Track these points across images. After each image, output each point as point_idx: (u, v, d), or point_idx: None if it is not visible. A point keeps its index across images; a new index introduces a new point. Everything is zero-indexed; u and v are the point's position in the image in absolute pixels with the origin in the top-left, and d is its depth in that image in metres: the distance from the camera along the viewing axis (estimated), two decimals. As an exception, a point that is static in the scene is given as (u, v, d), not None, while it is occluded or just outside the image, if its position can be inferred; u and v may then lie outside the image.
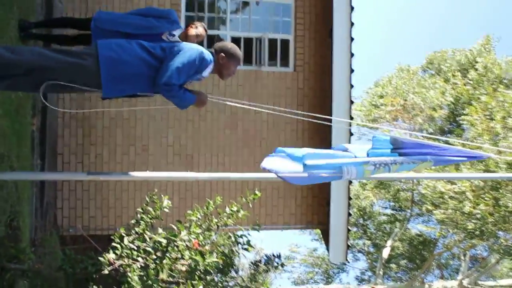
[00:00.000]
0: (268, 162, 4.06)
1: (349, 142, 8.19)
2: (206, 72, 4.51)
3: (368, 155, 4.08)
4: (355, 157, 4.07)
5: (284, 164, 4.03)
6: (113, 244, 4.81)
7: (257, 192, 5.30)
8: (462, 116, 13.19)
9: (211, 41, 8.55)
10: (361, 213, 20.14)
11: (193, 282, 4.73)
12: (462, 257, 18.67)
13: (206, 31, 5.88)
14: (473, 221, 11.42)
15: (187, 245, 4.79)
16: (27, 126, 5.74)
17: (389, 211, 20.15)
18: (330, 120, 7.69)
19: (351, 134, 8.35)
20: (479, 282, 17.13)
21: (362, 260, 21.77)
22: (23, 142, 5.37)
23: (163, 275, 4.84)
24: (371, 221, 20.59)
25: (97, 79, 4.04)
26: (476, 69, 15.22)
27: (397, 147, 4.17)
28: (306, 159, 3.90)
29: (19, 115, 5.20)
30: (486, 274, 18.37)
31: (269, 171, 4.01)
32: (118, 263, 4.75)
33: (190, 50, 4.25)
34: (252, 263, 12.27)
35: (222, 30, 8.76)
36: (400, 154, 4.12)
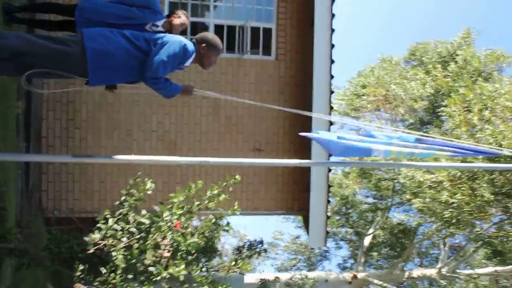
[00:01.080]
0: (306, 134, 4.54)
1: (329, 130, 8.38)
2: (188, 62, 4.71)
3: (391, 139, 4.45)
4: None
5: (321, 135, 4.43)
6: (98, 224, 4.95)
7: (237, 176, 5.46)
8: (442, 108, 13.45)
9: (194, 28, 8.67)
10: (344, 201, 20.36)
11: (175, 261, 4.91)
12: (442, 246, 19.04)
13: (188, 18, 6.04)
14: (450, 210, 11.71)
15: (169, 226, 4.96)
16: (13, 109, 5.84)
17: (370, 200, 20.44)
18: (310, 111, 7.92)
19: (331, 123, 8.54)
20: (457, 271, 17.49)
21: (344, 248, 22.10)
22: (8, 125, 5.48)
23: (149, 255, 5.00)
24: (354, 210, 20.84)
25: (82, 66, 4.17)
26: (456, 62, 15.49)
27: (420, 139, 4.57)
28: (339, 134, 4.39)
29: (5, 98, 5.31)
30: (464, 262, 18.77)
31: (307, 137, 4.54)
32: (102, 243, 4.90)
33: (174, 43, 4.41)
34: (235, 248, 12.50)
35: (205, 17, 8.87)
36: (422, 143, 4.51)
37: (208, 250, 6.52)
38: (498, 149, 5.15)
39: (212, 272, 6.21)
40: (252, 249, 11.59)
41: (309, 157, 8.28)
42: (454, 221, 11.93)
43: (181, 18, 5.95)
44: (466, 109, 12.67)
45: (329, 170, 8.87)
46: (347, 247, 22.04)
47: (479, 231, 12.39)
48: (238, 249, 11.97)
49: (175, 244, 4.96)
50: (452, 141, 4.76)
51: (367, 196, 20.58)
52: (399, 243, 19.68)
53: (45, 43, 4.14)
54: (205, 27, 8.83)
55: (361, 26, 57.99)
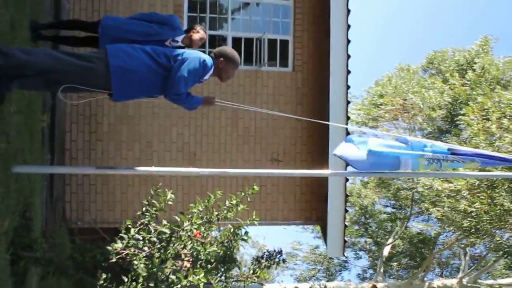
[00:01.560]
0: (339, 149, 4.63)
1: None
2: (207, 76, 4.87)
3: (424, 147, 4.56)
4: (412, 149, 4.56)
5: (352, 151, 4.58)
6: (120, 234, 5.10)
7: (255, 187, 5.58)
8: (460, 117, 13.43)
9: (213, 41, 8.86)
10: (363, 211, 20.36)
11: (195, 270, 5.03)
12: (462, 256, 18.90)
13: (206, 33, 6.24)
14: (468, 219, 11.67)
15: (189, 235, 5.09)
16: (38, 122, 6.04)
17: (389, 210, 20.39)
18: (327, 120, 8.03)
19: (348, 133, 8.62)
20: (479, 281, 17.33)
21: (364, 258, 22.05)
22: (34, 138, 5.66)
23: (169, 264, 5.14)
24: (373, 220, 20.82)
25: (106, 82, 4.35)
26: (474, 70, 15.46)
27: (452, 149, 4.66)
28: (371, 146, 4.48)
29: (31, 112, 5.50)
30: (486, 273, 18.59)
31: (339, 157, 4.64)
32: (125, 252, 5.04)
33: (194, 59, 4.57)
34: (254, 258, 12.54)
35: (223, 30, 9.05)
36: (453, 153, 4.62)
37: (227, 260, 6.62)
38: None
39: (232, 282, 6.31)
40: (271, 259, 11.64)
41: (326, 167, 8.37)
42: (473, 230, 11.88)
43: (200, 33, 6.15)
44: (484, 117, 12.65)
45: (347, 180, 8.94)
46: (367, 257, 21.98)
47: (499, 240, 12.30)
48: (257, 259, 12.02)
49: (194, 253, 5.09)
50: (479, 149, 4.86)
51: (386, 206, 20.55)
52: (418, 253, 19.59)
53: (71, 60, 4.32)
54: (223, 39, 9.01)
55: (379, 35, 57.90)
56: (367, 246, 21.68)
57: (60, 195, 7.75)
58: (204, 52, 8.66)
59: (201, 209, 5.38)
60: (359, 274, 22.08)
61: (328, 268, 22.80)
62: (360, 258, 22.02)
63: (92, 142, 8.22)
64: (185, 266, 5.32)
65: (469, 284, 16.98)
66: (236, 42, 8.87)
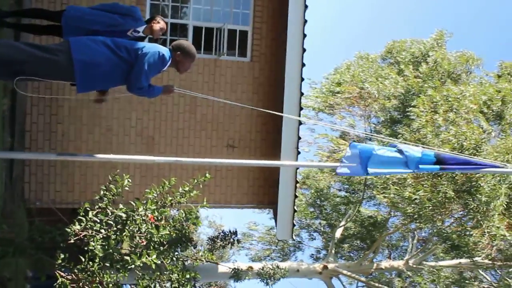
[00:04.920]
0: (341, 169, 5.15)
1: (298, 130, 8.91)
2: (166, 68, 5.23)
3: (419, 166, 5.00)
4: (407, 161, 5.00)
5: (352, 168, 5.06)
6: (79, 217, 5.42)
7: (208, 175, 5.97)
8: (411, 108, 14.01)
9: (175, 29, 9.12)
10: (318, 194, 20.89)
11: (148, 251, 5.41)
12: (410, 239, 19.73)
13: (166, 23, 6.55)
14: (412, 205, 12.29)
15: (143, 219, 5.46)
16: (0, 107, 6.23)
17: (343, 194, 21.00)
18: (281, 109, 8.45)
19: (300, 123, 9.06)
20: (424, 263, 18.17)
21: (317, 239, 22.68)
22: (-4, 123, 5.86)
23: (125, 245, 5.51)
24: (328, 202, 21.39)
25: (69, 74, 4.63)
26: (427, 63, 16.08)
27: (439, 158, 5.09)
28: (370, 167, 4.93)
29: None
30: (432, 254, 19.51)
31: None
32: (82, 234, 5.37)
33: (153, 54, 4.91)
34: (209, 238, 12.95)
35: (185, 19, 9.30)
36: (442, 169, 5.13)
37: (183, 240, 7.02)
38: (502, 164, 5.63)
39: (187, 261, 6.71)
40: (226, 240, 12.10)
41: (279, 154, 8.82)
42: (416, 216, 12.53)
43: (160, 23, 6.44)
44: (433, 109, 13.28)
45: (297, 168, 9.39)
46: (320, 238, 22.62)
47: (440, 226, 13.03)
48: (212, 239, 12.44)
49: (148, 235, 5.47)
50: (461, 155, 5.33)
51: (340, 190, 21.16)
52: (369, 236, 20.30)
53: (34, 52, 4.57)
54: (184, 29, 9.24)
55: (345, 21, 58.48)
56: (321, 228, 22.29)
57: (20, 176, 7.94)
58: (165, 39, 8.94)
59: (155, 195, 5.75)
60: (312, 254, 22.70)
61: (283, 248, 23.38)
62: (314, 239, 22.62)
63: (53, 125, 8.41)
64: (141, 243, 5.67)
65: (414, 266, 17.79)
66: (197, 31, 9.14)
